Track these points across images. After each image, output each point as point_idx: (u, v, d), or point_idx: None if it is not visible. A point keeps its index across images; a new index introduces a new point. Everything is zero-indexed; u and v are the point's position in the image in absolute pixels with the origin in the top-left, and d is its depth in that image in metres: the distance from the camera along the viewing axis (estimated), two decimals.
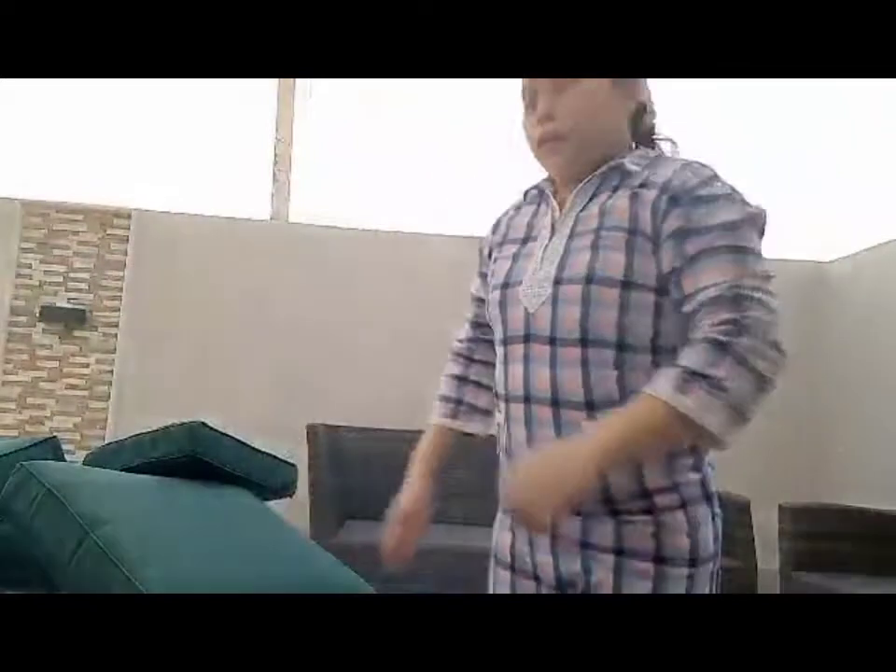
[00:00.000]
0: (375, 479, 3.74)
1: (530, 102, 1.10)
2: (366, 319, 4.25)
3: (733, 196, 1.00)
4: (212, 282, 4.22)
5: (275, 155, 6.78)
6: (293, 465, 2.09)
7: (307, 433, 3.50)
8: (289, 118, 6.87)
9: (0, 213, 4.12)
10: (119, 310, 4.13)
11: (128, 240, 4.19)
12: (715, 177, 1.02)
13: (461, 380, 1.29)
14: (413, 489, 1.24)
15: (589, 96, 1.05)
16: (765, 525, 3.35)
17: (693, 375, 0.85)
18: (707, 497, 1.05)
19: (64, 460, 2.04)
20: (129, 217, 4.21)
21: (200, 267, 4.23)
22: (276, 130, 6.84)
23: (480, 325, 1.31)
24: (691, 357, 0.86)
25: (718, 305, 0.91)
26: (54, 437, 1.97)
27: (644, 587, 0.94)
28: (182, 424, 1.92)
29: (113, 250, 4.19)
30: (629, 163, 1.02)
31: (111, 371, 4.09)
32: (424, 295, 4.31)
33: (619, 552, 0.95)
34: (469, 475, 3.81)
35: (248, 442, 1.96)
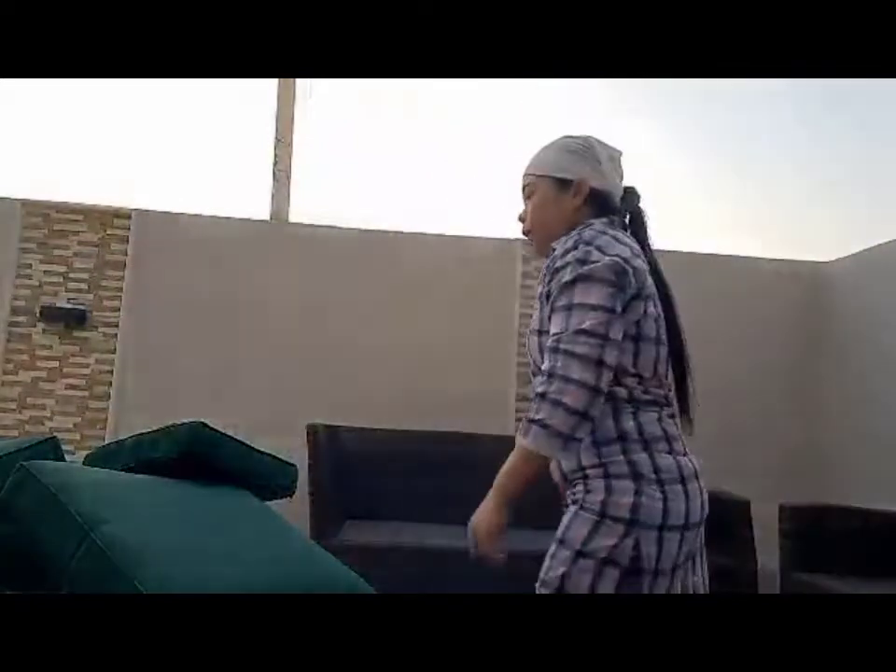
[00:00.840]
0: (375, 479, 3.74)
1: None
2: (366, 319, 4.25)
3: (574, 262, 1.27)
4: (212, 282, 4.22)
5: (275, 155, 6.77)
6: (293, 465, 2.09)
7: (307, 433, 3.50)
8: (289, 118, 6.87)
9: (0, 213, 4.12)
10: (119, 310, 4.13)
11: (128, 240, 4.18)
12: (572, 248, 1.29)
13: None
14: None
15: (539, 205, 1.45)
16: (765, 525, 3.35)
17: (528, 422, 1.24)
18: (635, 477, 1.26)
19: (64, 460, 2.04)
20: (129, 217, 4.21)
21: (200, 267, 4.23)
22: (276, 130, 6.84)
23: None
24: (530, 408, 1.25)
25: (547, 356, 1.25)
26: (54, 437, 1.97)
27: (567, 517, 1.32)
28: (182, 424, 1.92)
29: (113, 250, 4.18)
30: (554, 244, 1.35)
31: (111, 371, 4.09)
32: (424, 295, 4.31)
33: (572, 503, 1.34)
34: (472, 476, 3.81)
35: (248, 443, 1.96)
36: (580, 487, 1.32)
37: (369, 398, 4.17)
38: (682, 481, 1.27)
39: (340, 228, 4.36)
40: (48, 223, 4.16)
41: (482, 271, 4.35)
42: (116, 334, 4.11)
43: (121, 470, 1.80)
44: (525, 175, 1.49)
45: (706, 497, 1.33)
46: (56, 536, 1.19)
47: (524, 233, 1.49)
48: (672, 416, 1.36)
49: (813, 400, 4.37)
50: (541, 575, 1.32)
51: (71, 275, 4.14)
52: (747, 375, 4.37)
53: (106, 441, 4.01)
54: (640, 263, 1.33)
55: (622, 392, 1.31)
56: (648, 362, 1.33)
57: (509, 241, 4.43)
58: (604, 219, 1.39)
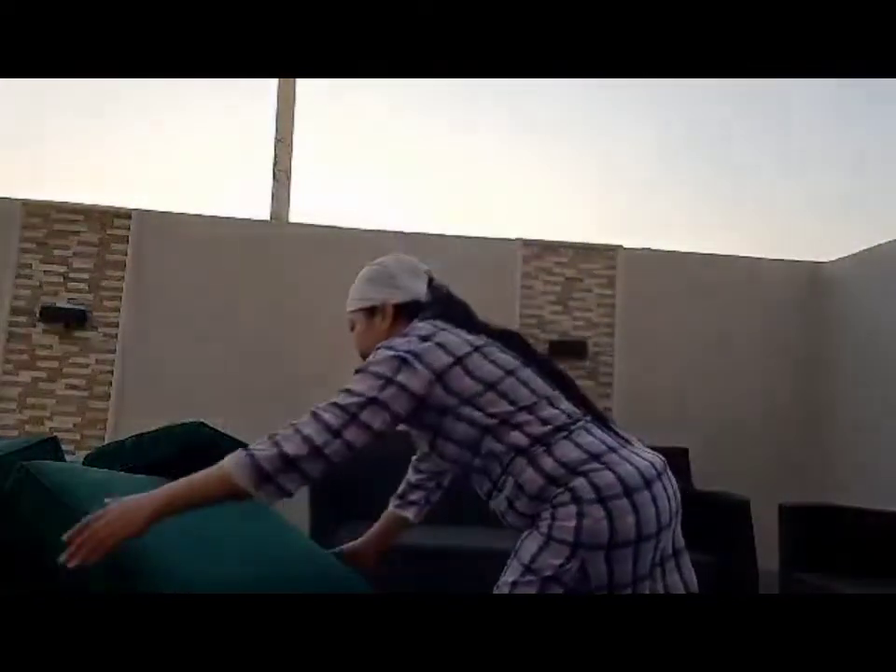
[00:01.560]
0: (375, 479, 3.74)
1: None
2: None
3: (373, 361, 1.37)
4: (212, 282, 4.22)
5: (275, 155, 6.78)
6: None
7: None
8: (289, 118, 6.87)
9: (0, 213, 4.12)
10: (119, 310, 4.13)
11: (128, 240, 4.18)
12: (385, 348, 1.40)
13: None
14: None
15: (360, 334, 1.61)
16: (765, 525, 3.35)
17: (241, 450, 1.30)
18: (576, 500, 1.25)
19: (64, 460, 2.04)
20: (129, 217, 4.21)
21: (200, 267, 4.23)
22: (276, 130, 6.84)
23: None
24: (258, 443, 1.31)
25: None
26: (54, 437, 1.97)
27: (524, 534, 1.32)
28: (181, 424, 1.91)
29: (113, 250, 4.19)
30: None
31: (111, 371, 4.09)
32: None
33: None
34: None
35: (247, 444, 1.96)
36: (531, 520, 1.32)
37: None
38: (628, 493, 1.24)
39: (340, 228, 4.36)
40: (48, 223, 4.16)
41: (482, 271, 4.35)
42: (116, 334, 4.11)
43: (121, 470, 1.80)
44: (348, 314, 1.66)
45: (670, 492, 1.31)
46: (57, 535, 1.19)
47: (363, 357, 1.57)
48: (591, 424, 1.35)
49: (813, 400, 4.37)
50: (499, 579, 1.32)
51: (71, 275, 4.14)
52: (747, 375, 4.37)
53: (106, 441, 4.01)
54: (444, 337, 1.41)
55: (522, 439, 1.32)
56: (520, 393, 1.36)
57: (509, 241, 4.43)
58: (412, 323, 1.52)
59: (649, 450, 1.38)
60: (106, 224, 4.21)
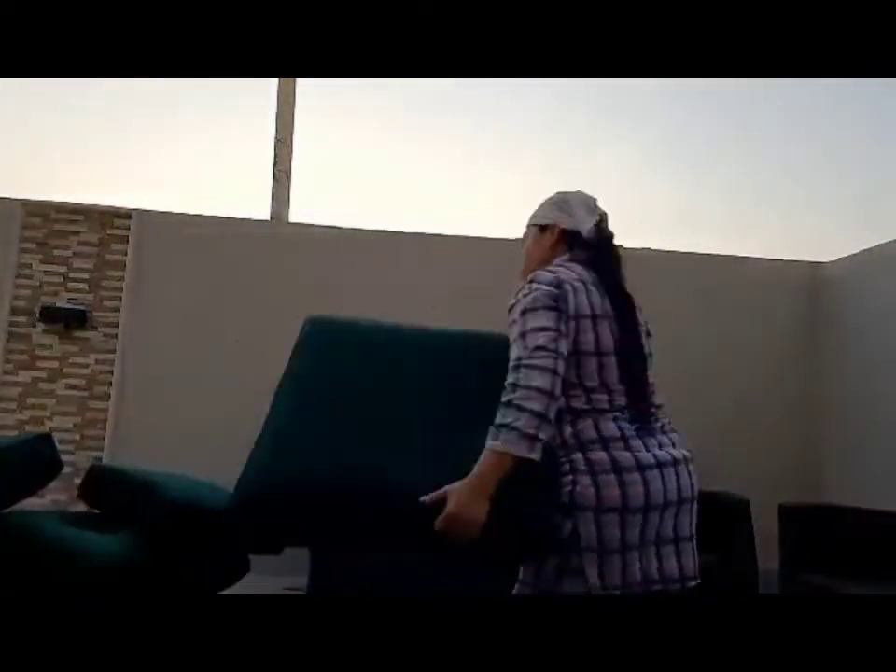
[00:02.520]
0: None
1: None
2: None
3: (520, 299, 1.53)
4: (212, 282, 4.22)
5: (275, 155, 6.78)
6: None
7: None
8: (289, 118, 6.87)
9: (0, 213, 4.12)
10: (119, 310, 4.13)
11: (128, 240, 4.18)
12: (524, 287, 1.55)
13: None
14: None
15: (528, 247, 1.78)
16: (765, 525, 3.35)
17: (497, 427, 1.38)
18: (572, 471, 1.47)
19: (59, 457, 2.06)
20: (129, 217, 4.21)
21: (200, 267, 4.23)
22: (276, 130, 6.84)
23: None
24: (497, 415, 1.40)
25: (510, 373, 1.43)
26: (48, 434, 2.00)
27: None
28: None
29: (113, 250, 4.18)
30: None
31: (111, 371, 4.09)
32: (424, 295, 4.31)
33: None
34: None
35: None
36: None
37: None
38: (617, 471, 1.45)
39: (340, 228, 4.36)
40: (48, 223, 4.16)
41: (482, 271, 4.35)
42: (116, 334, 4.11)
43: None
44: (526, 228, 1.82)
45: (672, 482, 1.49)
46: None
47: (522, 273, 1.72)
48: (624, 418, 1.54)
49: (813, 400, 4.37)
50: None
51: (71, 275, 4.14)
52: (747, 375, 4.37)
53: (107, 442, 4.02)
54: (578, 285, 1.56)
55: (563, 404, 1.51)
56: (591, 373, 1.53)
57: (509, 241, 4.43)
58: (566, 255, 1.68)
59: (676, 443, 1.62)
60: (106, 224, 4.20)
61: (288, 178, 6.77)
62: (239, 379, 4.15)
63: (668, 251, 4.49)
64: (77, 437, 4.04)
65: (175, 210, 4.28)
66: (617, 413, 1.53)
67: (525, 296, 1.52)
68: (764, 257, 4.52)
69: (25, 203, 4.16)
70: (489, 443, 1.37)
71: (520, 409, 1.37)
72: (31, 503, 3.54)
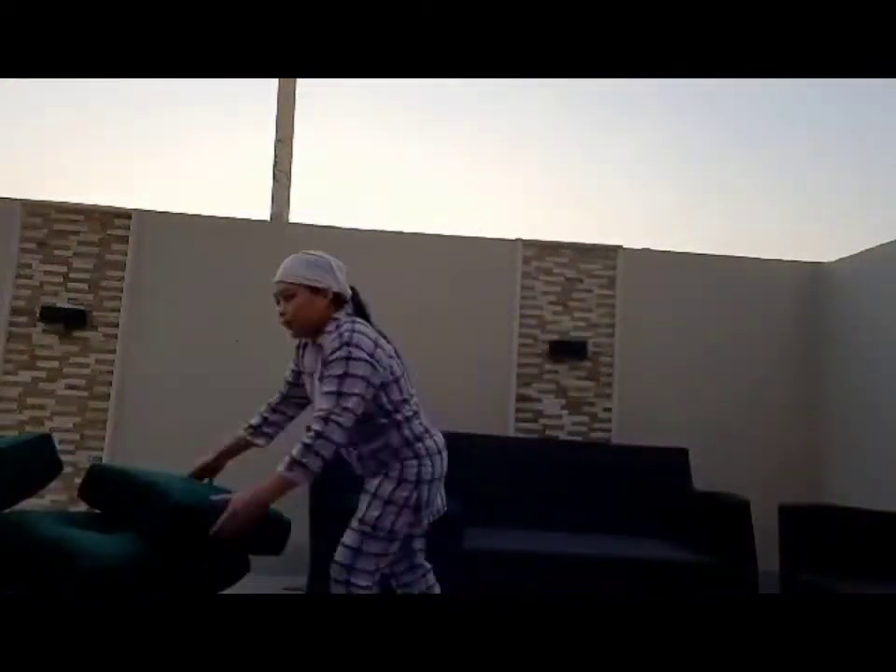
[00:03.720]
0: None
1: (277, 302, 2.16)
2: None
3: (341, 360, 1.94)
4: (212, 282, 4.22)
5: (275, 155, 6.78)
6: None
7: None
8: (289, 118, 6.87)
9: (0, 213, 4.12)
10: (119, 310, 4.13)
11: (128, 240, 4.18)
12: (338, 347, 1.96)
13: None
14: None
15: (301, 305, 2.10)
16: (765, 524, 3.35)
17: (295, 462, 1.86)
18: (417, 457, 2.10)
19: (58, 457, 2.06)
20: (129, 217, 4.21)
21: (200, 267, 4.23)
22: (276, 130, 6.84)
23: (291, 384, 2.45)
24: (297, 452, 1.88)
25: (317, 421, 1.89)
26: (48, 434, 2.00)
27: (376, 482, 2.10)
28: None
29: (113, 250, 4.19)
30: (321, 339, 2.07)
31: (111, 371, 4.09)
32: (424, 295, 4.31)
33: (378, 476, 2.12)
34: (470, 475, 3.81)
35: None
36: (383, 470, 2.10)
37: None
38: (439, 452, 2.14)
39: (340, 228, 4.36)
40: (48, 223, 4.16)
41: (482, 271, 4.35)
42: (116, 334, 4.11)
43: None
44: (282, 282, 2.15)
45: (444, 456, 2.18)
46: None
47: (284, 324, 2.16)
48: (419, 417, 2.17)
49: (813, 400, 4.37)
50: (359, 516, 2.05)
51: (71, 275, 4.14)
52: (747, 375, 4.37)
53: (107, 442, 4.02)
54: (382, 347, 2.06)
55: (398, 416, 2.10)
56: (406, 390, 2.14)
57: (509, 241, 4.43)
58: (343, 312, 2.11)
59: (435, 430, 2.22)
60: (106, 224, 4.21)
61: (288, 178, 6.77)
62: (239, 379, 4.15)
63: (668, 251, 4.49)
64: (77, 437, 4.04)
65: (175, 210, 4.28)
66: (418, 410, 2.17)
67: (345, 358, 1.93)
68: (765, 257, 4.52)
69: (25, 203, 4.16)
70: (285, 473, 1.84)
71: (317, 455, 1.85)
72: (31, 503, 3.54)
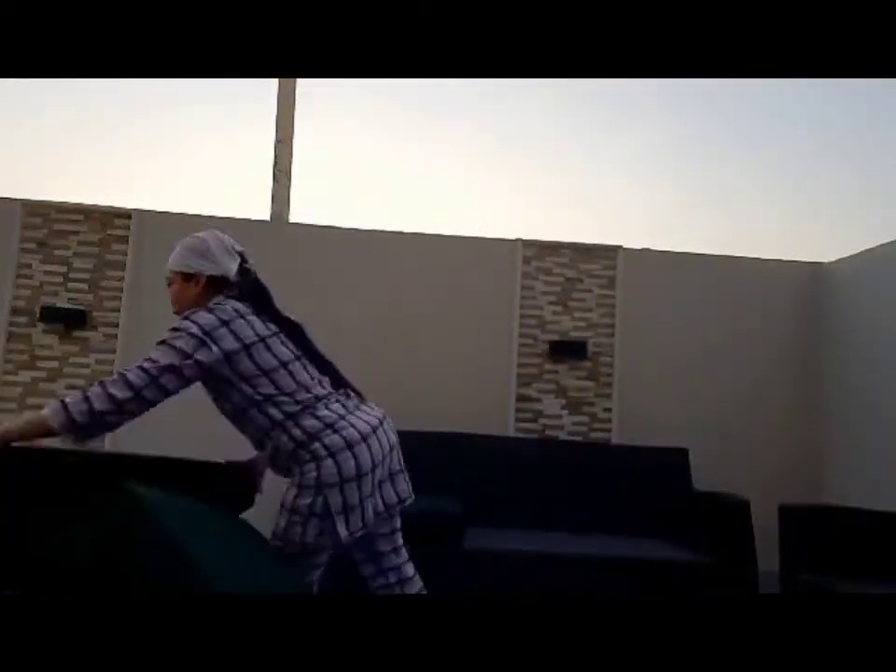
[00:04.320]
0: None
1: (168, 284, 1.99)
2: (365, 319, 4.26)
3: (167, 334, 1.79)
4: None
5: (275, 155, 6.78)
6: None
7: None
8: (289, 118, 6.87)
9: (0, 213, 4.12)
10: (119, 310, 4.13)
11: (128, 240, 4.18)
12: (174, 327, 1.80)
13: None
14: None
15: (177, 292, 1.96)
16: (765, 525, 3.35)
17: (61, 404, 1.66)
18: (314, 458, 1.79)
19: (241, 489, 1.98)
20: (129, 217, 4.21)
21: None
22: (276, 130, 6.84)
23: None
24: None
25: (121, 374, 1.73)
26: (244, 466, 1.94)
27: (285, 490, 1.83)
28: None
29: (113, 250, 4.19)
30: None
31: (111, 372, 4.09)
32: (424, 295, 4.31)
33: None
34: (468, 475, 3.81)
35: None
36: (291, 474, 1.85)
37: (368, 398, 4.17)
38: (350, 447, 1.80)
39: (340, 228, 4.36)
40: (48, 223, 4.16)
41: (481, 271, 4.35)
42: (116, 334, 4.11)
43: None
44: (167, 270, 1.99)
45: (384, 439, 1.89)
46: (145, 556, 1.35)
47: (175, 312, 1.96)
48: (332, 400, 1.89)
49: (813, 400, 4.37)
50: (273, 529, 1.82)
51: (71, 275, 4.14)
52: (747, 376, 4.37)
53: (106, 442, 4.01)
54: (239, 325, 1.82)
55: (278, 414, 1.82)
56: (286, 382, 1.84)
57: (509, 241, 4.43)
58: (219, 297, 1.91)
59: (374, 409, 1.98)
60: (106, 224, 4.21)
61: (288, 178, 6.77)
62: None
63: (668, 251, 4.49)
64: None
65: (175, 210, 4.28)
66: (325, 401, 1.87)
67: (173, 331, 1.78)
68: (765, 257, 4.52)
69: (25, 203, 4.16)
70: (45, 410, 1.66)
71: (86, 400, 1.66)
72: None
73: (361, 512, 1.81)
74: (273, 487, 2.02)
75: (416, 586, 1.96)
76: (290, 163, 6.82)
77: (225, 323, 1.81)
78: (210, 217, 4.28)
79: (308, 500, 1.77)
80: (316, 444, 1.79)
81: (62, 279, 4.13)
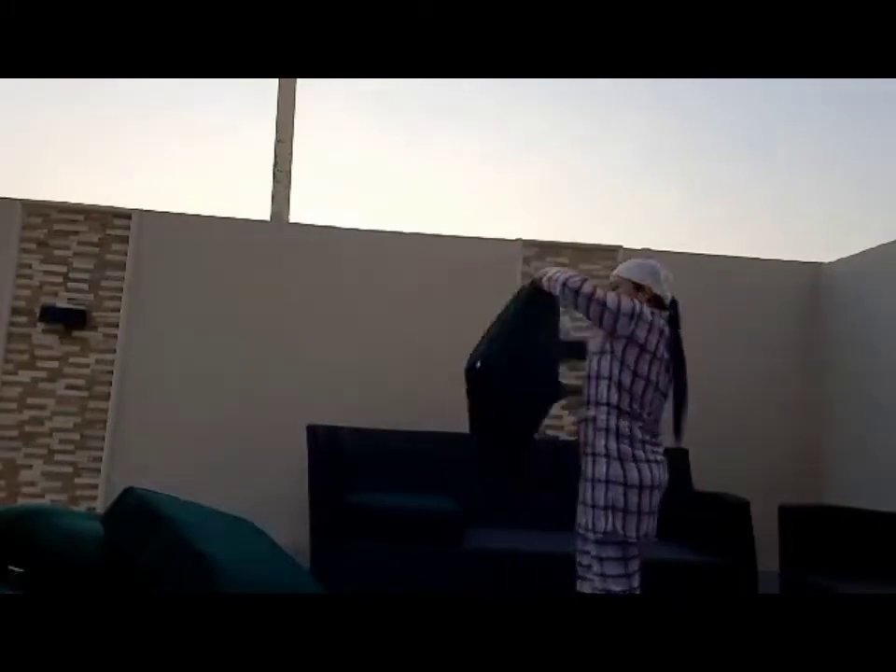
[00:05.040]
0: (375, 479, 3.75)
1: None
2: (365, 319, 4.26)
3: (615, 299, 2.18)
4: (212, 282, 4.22)
5: (275, 155, 6.78)
6: None
7: (307, 434, 3.50)
8: (289, 118, 6.87)
9: (0, 213, 4.12)
10: (119, 310, 4.13)
11: (128, 240, 4.19)
12: (630, 302, 2.20)
13: None
14: None
15: (619, 293, 2.23)
16: (765, 525, 3.35)
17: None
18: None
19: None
20: (129, 217, 4.21)
21: (200, 267, 4.23)
22: (276, 130, 6.84)
23: None
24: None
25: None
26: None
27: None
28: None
29: (113, 250, 4.19)
30: None
31: (111, 371, 4.09)
32: (424, 295, 4.31)
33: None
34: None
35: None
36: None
37: (368, 398, 4.17)
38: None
39: (340, 228, 4.36)
40: (48, 223, 4.16)
41: (482, 271, 4.35)
42: (116, 334, 4.12)
43: None
44: (615, 275, 2.37)
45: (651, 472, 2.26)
46: (156, 561, 1.34)
47: None
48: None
49: (813, 400, 4.37)
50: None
51: (71, 275, 4.14)
52: (747, 375, 4.37)
53: (106, 442, 4.02)
54: (650, 319, 2.15)
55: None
56: (637, 391, 2.21)
57: (509, 241, 4.43)
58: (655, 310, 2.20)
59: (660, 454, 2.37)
60: (106, 224, 4.21)
61: (288, 178, 6.77)
62: (238, 379, 4.15)
63: (668, 251, 4.49)
64: (77, 437, 4.04)
65: (175, 210, 4.28)
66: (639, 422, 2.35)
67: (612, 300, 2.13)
68: (765, 257, 4.52)
69: (25, 203, 4.16)
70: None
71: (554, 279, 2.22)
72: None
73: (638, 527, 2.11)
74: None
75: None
76: (290, 163, 6.82)
77: (633, 312, 2.14)
78: (210, 216, 4.29)
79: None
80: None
81: (62, 279, 4.13)
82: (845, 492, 4.05)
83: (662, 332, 2.15)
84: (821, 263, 4.52)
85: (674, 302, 2.31)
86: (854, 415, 4.08)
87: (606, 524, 2.13)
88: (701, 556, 3.23)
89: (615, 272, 2.37)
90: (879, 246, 4.03)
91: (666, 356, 2.18)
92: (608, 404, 2.17)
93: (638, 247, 4.48)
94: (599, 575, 2.01)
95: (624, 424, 2.18)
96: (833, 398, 4.28)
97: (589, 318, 2.14)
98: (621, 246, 4.44)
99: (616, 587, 1.90)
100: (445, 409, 4.18)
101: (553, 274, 2.19)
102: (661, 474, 2.28)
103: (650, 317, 2.13)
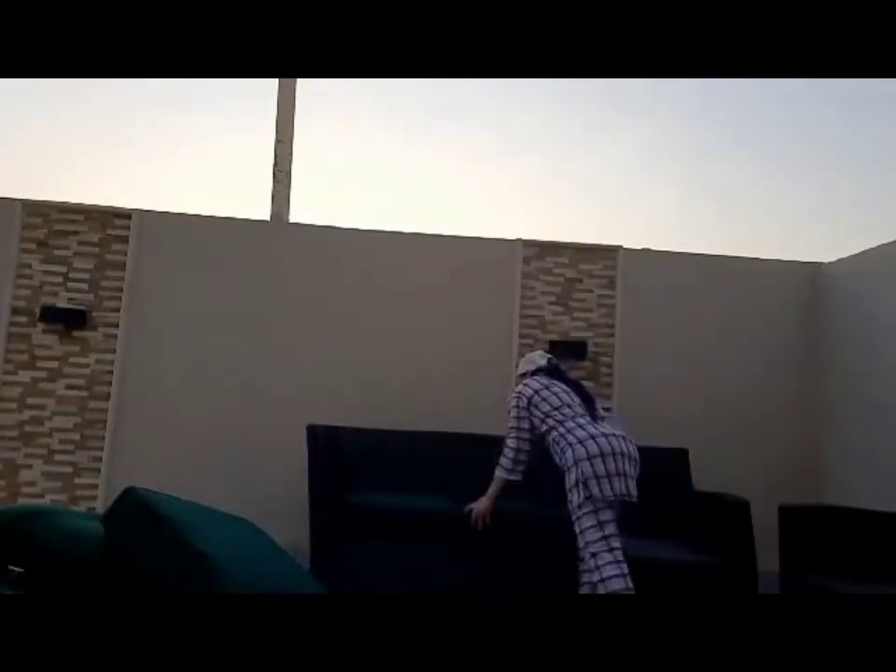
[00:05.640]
0: (375, 479, 3.75)
1: None
2: (365, 319, 4.26)
3: (511, 403, 3.16)
4: (212, 282, 4.22)
5: (275, 155, 6.77)
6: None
7: (307, 433, 3.51)
8: (289, 118, 6.87)
9: (0, 213, 4.12)
10: (119, 310, 4.13)
11: (128, 240, 4.19)
12: (515, 393, 3.18)
13: None
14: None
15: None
16: (765, 525, 3.35)
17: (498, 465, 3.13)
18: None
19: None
20: (129, 217, 4.21)
21: (200, 267, 4.23)
22: (276, 130, 6.83)
23: None
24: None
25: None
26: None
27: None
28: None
29: (113, 250, 4.19)
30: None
31: (111, 371, 4.09)
32: (424, 295, 4.31)
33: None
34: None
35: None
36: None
37: (368, 398, 4.17)
38: (589, 459, 2.80)
39: (340, 228, 4.36)
40: (48, 223, 4.16)
41: (482, 271, 4.35)
42: (116, 334, 4.12)
43: None
44: (517, 375, 3.35)
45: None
46: (156, 561, 1.34)
47: None
48: (583, 420, 2.97)
49: (813, 400, 4.37)
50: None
51: (71, 275, 4.14)
52: (747, 375, 4.37)
53: (106, 442, 4.02)
54: (534, 386, 3.08)
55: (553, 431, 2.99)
56: (562, 408, 2.99)
57: (509, 241, 4.43)
58: (538, 376, 3.17)
59: (616, 431, 2.92)
60: (106, 224, 4.21)
61: (288, 178, 6.77)
62: (238, 379, 4.15)
63: (668, 251, 4.49)
64: (77, 437, 4.04)
65: (175, 210, 4.28)
66: (577, 421, 2.97)
67: (515, 398, 3.10)
68: (765, 257, 4.52)
69: (25, 203, 4.16)
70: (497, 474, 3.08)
71: (500, 465, 3.05)
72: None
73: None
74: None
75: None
76: (290, 163, 6.82)
77: (534, 394, 3.05)
78: (210, 216, 4.29)
79: (570, 484, 2.83)
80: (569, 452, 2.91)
81: (62, 279, 4.13)
82: (845, 492, 4.05)
83: (549, 379, 3.11)
84: (821, 263, 4.52)
85: (550, 360, 3.26)
86: (854, 415, 4.08)
87: (579, 496, 2.74)
88: (701, 556, 3.23)
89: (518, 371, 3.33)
90: (879, 246, 4.03)
91: (562, 384, 3.07)
92: (553, 428, 2.94)
93: (638, 247, 4.48)
94: (583, 547, 2.69)
95: (571, 425, 2.90)
96: (833, 398, 4.28)
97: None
98: (621, 246, 4.44)
99: (594, 549, 2.61)
100: (445, 409, 4.19)
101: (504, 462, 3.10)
102: (620, 444, 2.82)
103: (533, 384, 3.08)
